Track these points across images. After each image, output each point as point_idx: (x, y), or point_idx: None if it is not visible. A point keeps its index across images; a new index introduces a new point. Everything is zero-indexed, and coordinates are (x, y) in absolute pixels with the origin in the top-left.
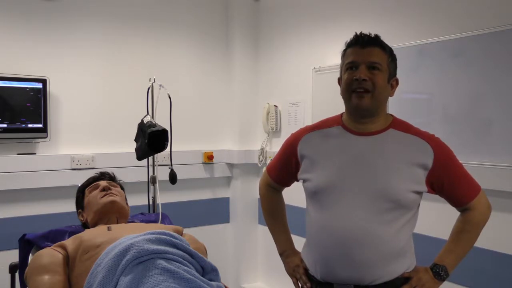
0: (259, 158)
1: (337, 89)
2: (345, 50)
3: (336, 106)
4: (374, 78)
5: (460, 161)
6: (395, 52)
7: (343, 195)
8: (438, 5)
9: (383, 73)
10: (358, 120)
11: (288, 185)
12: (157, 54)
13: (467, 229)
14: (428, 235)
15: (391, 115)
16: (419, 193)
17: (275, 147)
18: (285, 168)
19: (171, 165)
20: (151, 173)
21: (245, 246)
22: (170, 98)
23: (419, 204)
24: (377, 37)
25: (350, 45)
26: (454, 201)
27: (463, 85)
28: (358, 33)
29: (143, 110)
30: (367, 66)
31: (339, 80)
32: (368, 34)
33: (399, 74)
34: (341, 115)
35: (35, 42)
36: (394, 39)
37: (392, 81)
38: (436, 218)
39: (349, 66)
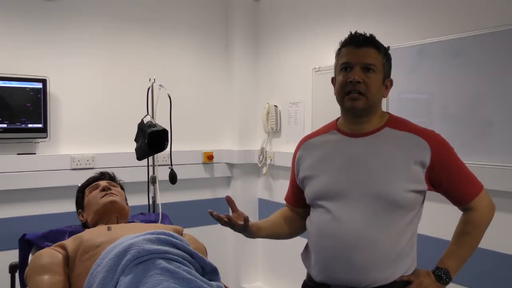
0: (259, 158)
1: None
2: (339, 50)
3: (336, 106)
4: (368, 80)
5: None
6: (395, 52)
7: (341, 199)
8: (438, 5)
9: (377, 74)
10: (353, 121)
11: (302, 204)
12: (157, 54)
13: (469, 230)
14: (430, 236)
15: (388, 113)
16: (419, 192)
17: (275, 147)
18: (295, 184)
19: (171, 165)
20: (151, 173)
21: (245, 246)
22: (170, 98)
23: (421, 204)
24: (372, 37)
25: (345, 44)
26: (454, 200)
27: (463, 85)
28: (353, 32)
29: (143, 110)
30: (362, 68)
31: (333, 79)
32: (364, 33)
33: (399, 74)
34: (337, 119)
35: (35, 42)
36: (394, 39)
37: (386, 82)
38: (439, 218)
39: (343, 66)
